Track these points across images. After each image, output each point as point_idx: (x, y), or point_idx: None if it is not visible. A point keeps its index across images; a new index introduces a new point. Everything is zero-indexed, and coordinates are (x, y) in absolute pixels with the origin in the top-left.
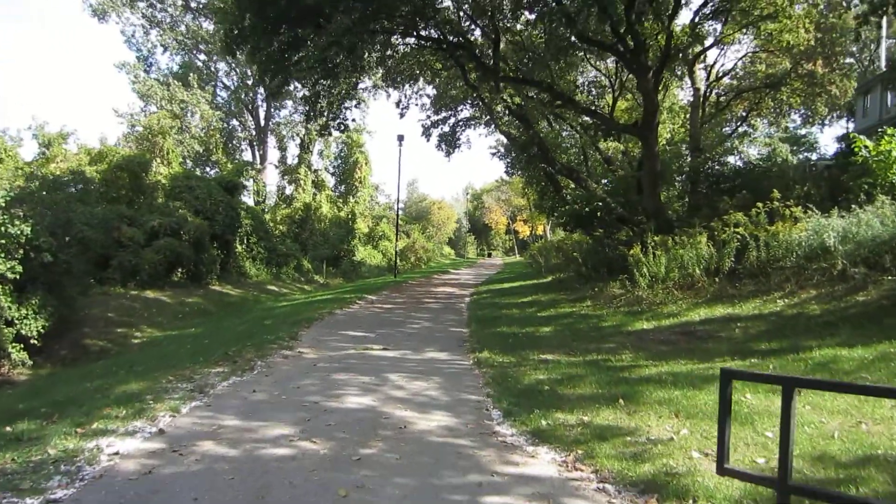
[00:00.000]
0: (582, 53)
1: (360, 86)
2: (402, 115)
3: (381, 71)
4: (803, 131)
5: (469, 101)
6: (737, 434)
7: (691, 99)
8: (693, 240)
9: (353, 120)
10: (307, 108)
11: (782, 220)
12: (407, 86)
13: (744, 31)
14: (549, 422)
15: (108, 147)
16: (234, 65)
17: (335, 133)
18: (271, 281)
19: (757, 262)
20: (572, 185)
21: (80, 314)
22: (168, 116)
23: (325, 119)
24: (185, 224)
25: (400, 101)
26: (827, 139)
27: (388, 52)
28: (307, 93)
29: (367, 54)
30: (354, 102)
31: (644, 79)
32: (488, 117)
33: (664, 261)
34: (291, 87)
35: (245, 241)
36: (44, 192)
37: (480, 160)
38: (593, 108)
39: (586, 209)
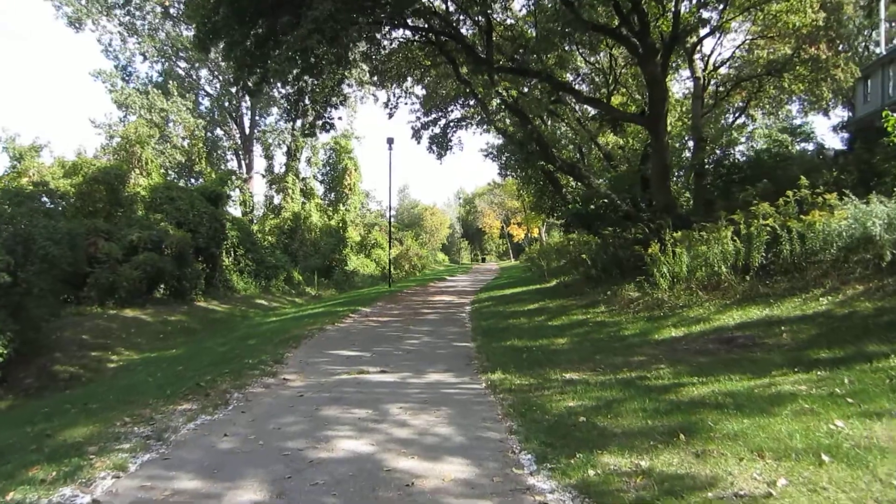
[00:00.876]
0: (574, 48)
1: (346, 83)
2: (390, 116)
3: (366, 67)
4: (798, 121)
5: (460, 101)
6: (848, 481)
7: (691, 89)
8: (718, 234)
9: (339, 118)
10: (290, 108)
11: (816, 209)
12: (395, 85)
13: (745, 14)
14: (597, 470)
15: (83, 158)
16: (216, 73)
17: (322, 138)
18: (260, 295)
19: (791, 256)
20: (572, 184)
21: (49, 338)
22: (145, 125)
23: (309, 119)
24: (166, 237)
25: (388, 100)
26: (822, 129)
27: (374, 48)
28: (289, 90)
29: (351, 45)
30: (339, 99)
31: (651, 62)
32: (482, 116)
33: (686, 259)
34: (275, 93)
35: (232, 254)
36: (5, 206)
37: (471, 163)
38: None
39: (591, 207)
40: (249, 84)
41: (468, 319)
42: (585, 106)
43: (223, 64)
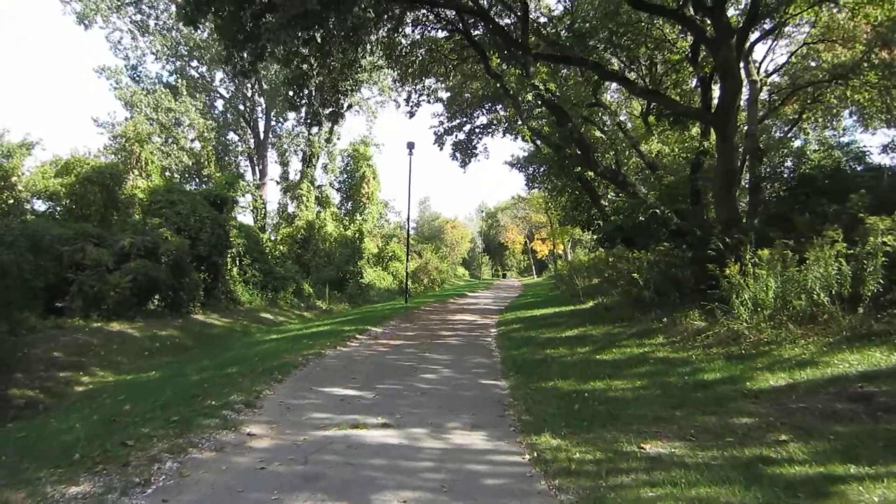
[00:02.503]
0: (613, 50)
1: (360, 67)
2: (411, 115)
3: (381, 52)
4: (846, 139)
5: (486, 106)
6: None
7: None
8: (822, 253)
9: (350, 107)
10: (292, 95)
11: None
12: (417, 81)
13: (813, 10)
14: None
15: (76, 157)
16: (230, 74)
17: (339, 144)
18: (266, 308)
19: None
20: (610, 195)
21: (12, 356)
22: (145, 122)
23: (314, 107)
24: (162, 243)
25: (409, 98)
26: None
27: (394, 34)
28: (291, 72)
29: (363, 15)
30: (350, 85)
31: (725, 45)
32: (510, 121)
33: (773, 283)
34: (290, 93)
35: (237, 263)
36: None
37: (494, 176)
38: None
39: (640, 219)
40: (243, 63)
41: (495, 346)
42: (624, 110)
43: (204, 30)
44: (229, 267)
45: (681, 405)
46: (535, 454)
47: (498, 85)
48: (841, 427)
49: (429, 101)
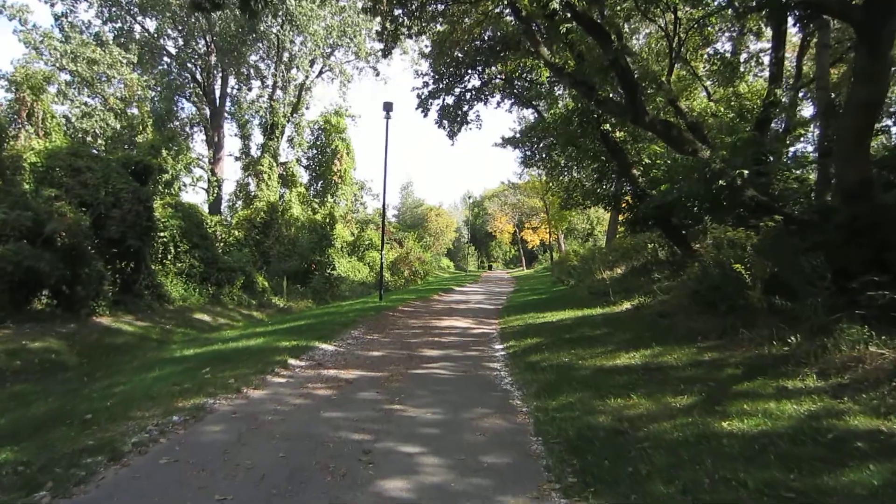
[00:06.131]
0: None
1: None
2: (385, 53)
3: None
4: None
5: (479, 69)
6: None
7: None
8: None
9: None
10: None
11: None
12: (395, 6)
13: None
14: None
15: None
16: (181, 27)
17: (307, 115)
18: (205, 306)
19: None
20: (646, 160)
21: None
22: (41, 63)
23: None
24: (51, 222)
25: (384, 30)
26: None
27: None
28: None
29: None
30: None
31: None
32: (507, 78)
33: None
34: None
35: (172, 250)
36: None
37: (482, 161)
38: None
39: (720, 184)
40: None
41: (511, 383)
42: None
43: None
44: (159, 255)
45: None
46: None
47: (506, 2)
48: None
49: (410, 36)
